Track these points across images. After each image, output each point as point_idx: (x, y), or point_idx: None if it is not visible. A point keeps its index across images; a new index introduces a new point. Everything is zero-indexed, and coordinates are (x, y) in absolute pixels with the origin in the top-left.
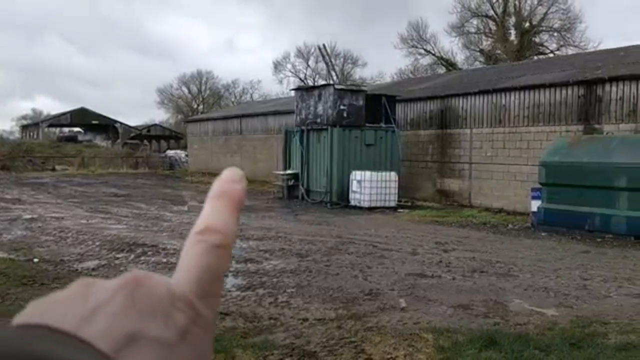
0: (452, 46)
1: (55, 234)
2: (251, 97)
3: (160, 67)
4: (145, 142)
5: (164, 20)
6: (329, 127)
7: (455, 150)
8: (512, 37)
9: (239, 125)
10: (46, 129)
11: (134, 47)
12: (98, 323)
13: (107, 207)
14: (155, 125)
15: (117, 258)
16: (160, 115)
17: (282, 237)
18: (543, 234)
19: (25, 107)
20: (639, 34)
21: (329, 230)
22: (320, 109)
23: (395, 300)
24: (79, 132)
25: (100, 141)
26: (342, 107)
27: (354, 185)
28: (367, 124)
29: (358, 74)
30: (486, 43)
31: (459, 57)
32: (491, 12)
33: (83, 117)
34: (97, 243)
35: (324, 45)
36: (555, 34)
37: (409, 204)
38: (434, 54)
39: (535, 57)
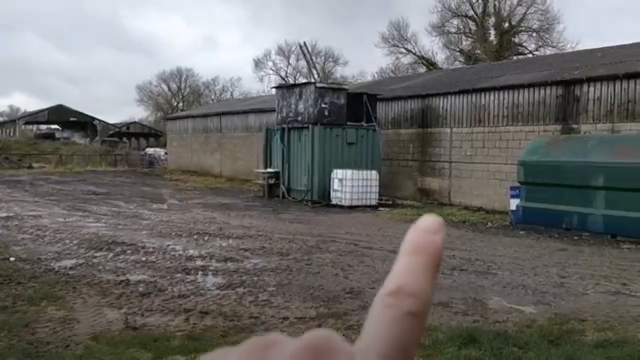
0: (432, 46)
1: (32, 232)
2: (232, 95)
3: (140, 64)
4: (125, 140)
5: (143, 17)
6: (311, 126)
7: (436, 150)
8: (492, 38)
9: (219, 123)
10: (23, 127)
11: (113, 44)
12: None
13: (85, 206)
14: (134, 123)
15: (96, 257)
16: (140, 113)
17: (262, 236)
18: (522, 232)
19: (1, 104)
20: (616, 35)
21: (310, 229)
22: (301, 107)
23: None
24: (57, 129)
25: (78, 139)
26: (323, 105)
27: (336, 184)
28: (348, 123)
29: (339, 72)
30: (466, 43)
31: (440, 56)
32: (471, 13)
33: (61, 115)
34: (75, 242)
35: (305, 43)
36: (534, 34)
37: (390, 202)
38: (415, 54)
39: (515, 58)
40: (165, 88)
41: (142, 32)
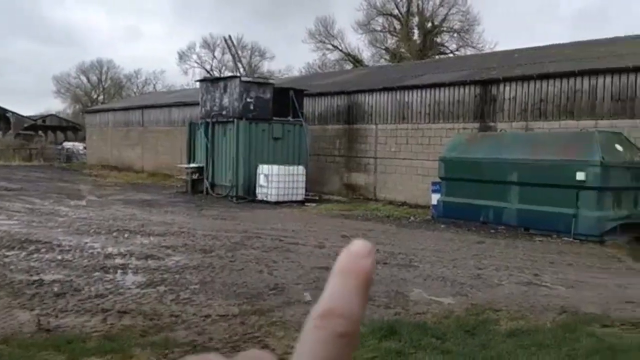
0: (358, 43)
1: None
2: (155, 87)
3: (57, 55)
4: (41, 133)
5: (62, 5)
6: (235, 120)
7: (362, 145)
8: (416, 37)
9: (140, 116)
10: None
11: (29, 33)
12: None
13: None
14: (51, 115)
15: (7, 256)
16: (57, 105)
17: (185, 232)
18: (442, 225)
19: None
20: (532, 37)
21: (235, 225)
22: (226, 101)
23: (300, 294)
24: None
25: None
26: (248, 99)
27: (261, 180)
28: (274, 118)
29: (266, 67)
30: (391, 41)
31: (366, 54)
32: (396, 11)
33: None
34: None
35: (229, 36)
36: (455, 34)
37: (317, 197)
38: (341, 50)
39: (437, 57)
40: (85, 80)
41: (61, 21)
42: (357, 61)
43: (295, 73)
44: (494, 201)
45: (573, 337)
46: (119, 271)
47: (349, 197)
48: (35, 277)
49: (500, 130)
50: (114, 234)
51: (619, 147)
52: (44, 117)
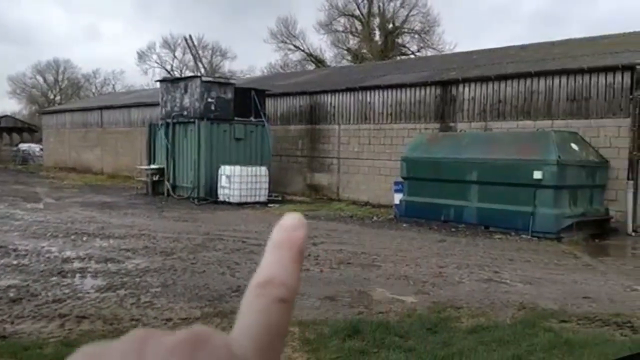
0: (321, 43)
1: None
2: (113, 88)
3: (13, 54)
4: None
5: (17, 3)
6: (196, 121)
7: (325, 146)
8: (377, 38)
9: (99, 117)
10: None
11: None
12: None
13: None
14: (6, 116)
15: None
16: (12, 106)
17: (145, 234)
18: (404, 225)
19: None
20: (490, 38)
21: (196, 227)
22: (186, 101)
23: None
24: None
25: None
26: (209, 100)
27: (223, 181)
28: (236, 118)
29: (227, 67)
30: (353, 42)
31: (328, 54)
32: (357, 12)
33: None
34: None
35: (190, 36)
36: (416, 36)
37: (280, 198)
38: (303, 50)
39: (398, 58)
40: (41, 80)
41: (16, 20)
42: (319, 61)
43: (257, 73)
44: (455, 200)
45: (532, 332)
46: (78, 275)
47: (312, 198)
48: None
49: (460, 131)
50: (72, 237)
51: (574, 147)
52: None
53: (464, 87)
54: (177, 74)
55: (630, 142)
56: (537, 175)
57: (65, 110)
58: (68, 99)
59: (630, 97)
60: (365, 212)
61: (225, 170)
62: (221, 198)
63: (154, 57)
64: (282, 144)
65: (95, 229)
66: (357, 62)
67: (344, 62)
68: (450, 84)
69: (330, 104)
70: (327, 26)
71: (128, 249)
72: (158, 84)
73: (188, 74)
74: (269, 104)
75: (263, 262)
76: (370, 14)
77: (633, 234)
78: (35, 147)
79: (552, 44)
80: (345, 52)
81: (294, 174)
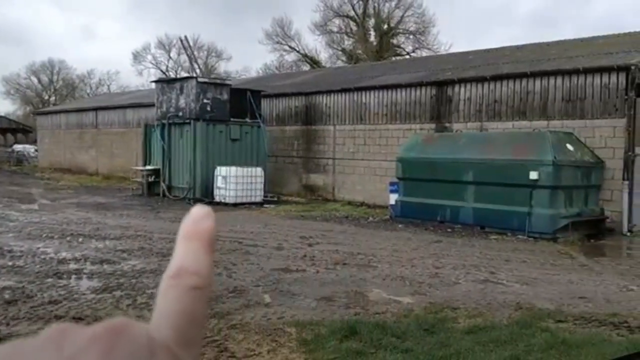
0: (316, 44)
1: None
2: (109, 88)
3: (6, 55)
4: None
5: (10, 3)
6: (192, 122)
7: (320, 146)
8: (372, 38)
9: (94, 118)
10: None
11: None
12: None
13: None
14: (0, 117)
15: None
16: (6, 107)
17: (141, 235)
18: (400, 225)
19: None
20: (485, 39)
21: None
22: (182, 102)
23: (259, 296)
24: None
25: None
26: (205, 100)
27: (219, 181)
28: (232, 119)
29: (223, 67)
30: (348, 43)
31: (323, 55)
32: (352, 13)
33: None
34: None
35: (185, 37)
36: (411, 36)
37: (276, 199)
38: (298, 51)
39: (393, 58)
40: (35, 80)
41: (10, 20)
42: (314, 62)
43: (253, 74)
44: (451, 201)
45: (529, 332)
46: (73, 276)
47: (307, 198)
48: None
49: (456, 131)
50: (68, 238)
51: (570, 147)
52: None
53: (459, 87)
54: (172, 75)
55: (625, 142)
56: (533, 175)
57: (60, 111)
58: (63, 100)
59: (625, 97)
60: (360, 212)
61: (221, 170)
62: (217, 199)
63: (149, 57)
64: (277, 144)
65: (91, 230)
66: (352, 62)
67: (339, 63)
68: (445, 85)
69: (326, 104)
70: (322, 27)
71: (124, 250)
72: (153, 85)
73: (183, 74)
74: (265, 104)
75: (174, 254)
76: (365, 14)
77: (628, 234)
78: (30, 148)
79: (548, 44)
80: (341, 52)
81: (289, 174)
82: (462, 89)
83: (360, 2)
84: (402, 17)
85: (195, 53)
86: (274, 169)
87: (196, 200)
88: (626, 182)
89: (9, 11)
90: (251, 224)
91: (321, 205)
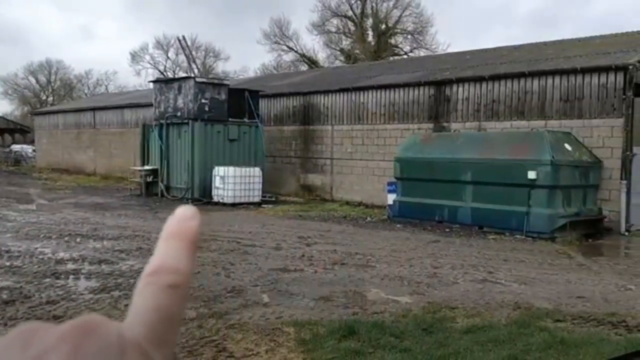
0: (314, 44)
1: None
2: (106, 88)
3: (4, 55)
4: None
5: (8, 2)
6: (190, 122)
7: (318, 146)
8: (370, 38)
9: (92, 118)
10: None
11: None
12: None
13: None
14: None
15: None
16: (3, 107)
17: (139, 235)
18: (398, 225)
19: None
20: (483, 39)
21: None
22: (180, 102)
23: (258, 296)
24: None
25: None
26: (203, 100)
27: (217, 181)
28: (230, 119)
29: (221, 67)
30: (346, 43)
31: (321, 55)
32: (350, 13)
33: None
34: None
35: (183, 37)
36: (409, 36)
37: (274, 199)
38: (296, 51)
39: (391, 58)
40: (33, 80)
41: (7, 20)
42: (312, 62)
43: (251, 74)
44: (449, 200)
45: (527, 332)
46: (71, 277)
47: (305, 198)
48: None
49: (454, 131)
50: (66, 238)
51: (568, 147)
52: None
53: (457, 87)
54: (170, 75)
55: (623, 142)
56: (531, 175)
57: (58, 111)
58: (60, 100)
59: (623, 97)
60: (358, 212)
61: (219, 171)
62: (215, 199)
63: (147, 57)
64: (275, 144)
65: (89, 230)
66: (350, 62)
67: (337, 63)
68: (443, 84)
69: (324, 104)
70: (320, 27)
71: (122, 250)
72: (151, 85)
73: (181, 74)
74: (263, 104)
75: (155, 253)
76: (363, 14)
77: (626, 233)
78: (27, 148)
79: (545, 44)
80: (338, 52)
81: (287, 174)
82: (460, 89)
83: (358, 2)
84: (400, 17)
85: (193, 53)
86: (272, 169)
87: (194, 201)
88: (624, 182)
89: (7, 11)
90: (249, 224)
91: (319, 205)
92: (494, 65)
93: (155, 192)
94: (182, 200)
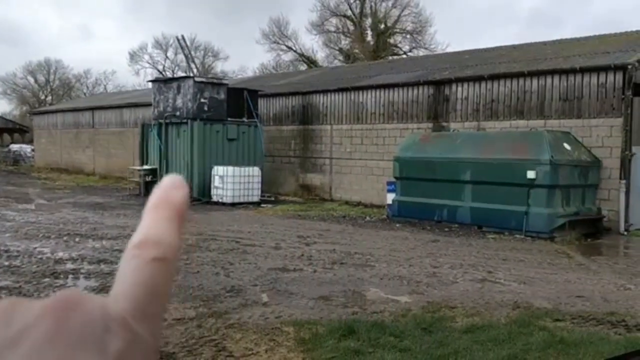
0: (313, 44)
1: None
2: (105, 88)
3: (2, 54)
4: None
5: (6, 2)
6: (189, 121)
7: (317, 146)
8: (369, 38)
9: (91, 118)
10: None
11: None
12: (21, 350)
13: None
14: None
15: None
16: (2, 106)
17: None
18: (397, 225)
19: None
20: (482, 39)
21: (190, 227)
22: (179, 102)
23: (257, 295)
24: None
25: None
26: (202, 100)
27: (216, 181)
28: (229, 119)
29: (220, 67)
30: (345, 42)
31: (320, 54)
32: (349, 13)
33: None
34: None
35: (182, 36)
36: (408, 36)
37: (273, 198)
38: (295, 51)
39: (390, 58)
40: (32, 80)
41: (5, 19)
42: (311, 62)
43: (250, 74)
44: (448, 200)
45: (527, 331)
46: (70, 276)
47: (304, 198)
48: None
49: (453, 130)
50: (65, 238)
51: (567, 146)
52: None
53: (456, 86)
54: (169, 75)
55: (623, 141)
56: (531, 174)
57: (57, 111)
58: (59, 100)
59: (622, 96)
60: (358, 212)
61: (218, 170)
62: (214, 198)
63: (146, 57)
64: (274, 144)
65: (88, 229)
66: (349, 62)
67: (336, 63)
68: (442, 84)
69: (323, 104)
70: (319, 27)
71: (121, 249)
72: (150, 84)
73: (180, 74)
74: (262, 104)
75: (140, 225)
76: (362, 14)
77: (625, 233)
78: (26, 148)
79: (544, 44)
80: (337, 52)
81: (286, 174)
82: (459, 89)
83: (357, 2)
84: (399, 16)
85: (192, 53)
86: (271, 168)
87: (194, 200)
88: (623, 182)
89: (6, 11)
90: (248, 223)
91: (318, 205)
92: (493, 64)
93: None
94: None
